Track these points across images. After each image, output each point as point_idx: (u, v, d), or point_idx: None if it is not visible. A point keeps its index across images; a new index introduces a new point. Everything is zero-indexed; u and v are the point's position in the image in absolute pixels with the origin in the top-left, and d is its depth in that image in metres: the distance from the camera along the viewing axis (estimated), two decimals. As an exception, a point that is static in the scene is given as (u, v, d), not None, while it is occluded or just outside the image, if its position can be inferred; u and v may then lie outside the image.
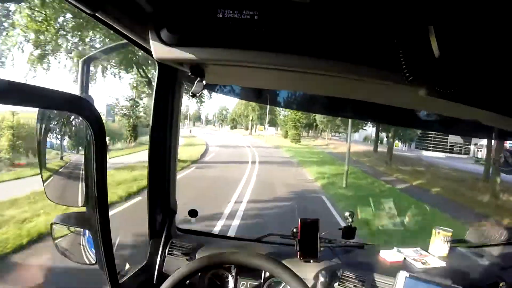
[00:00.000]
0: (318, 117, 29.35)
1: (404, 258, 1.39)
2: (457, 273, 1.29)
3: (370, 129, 30.82)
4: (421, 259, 1.38)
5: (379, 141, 32.13)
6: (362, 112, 1.60)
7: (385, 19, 0.73)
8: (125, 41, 1.02)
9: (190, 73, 0.91)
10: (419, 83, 0.76)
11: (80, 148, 0.95)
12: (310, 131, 41.34)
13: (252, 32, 0.75)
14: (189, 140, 23.51)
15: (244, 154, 19.23)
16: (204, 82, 0.93)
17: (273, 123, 42.62)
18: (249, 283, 1.29)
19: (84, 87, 1.17)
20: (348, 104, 1.43)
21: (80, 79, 1.14)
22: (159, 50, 0.81)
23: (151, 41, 0.81)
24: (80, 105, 0.81)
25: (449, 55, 0.69)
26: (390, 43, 0.72)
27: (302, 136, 35.88)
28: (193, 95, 0.96)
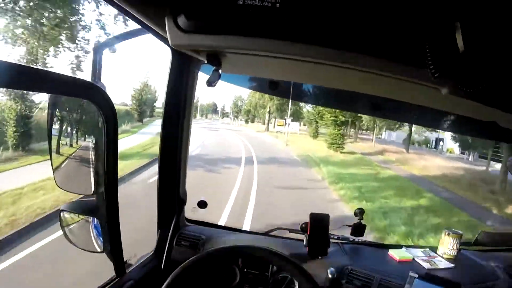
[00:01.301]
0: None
1: (413, 258, 1.45)
2: (465, 276, 1.34)
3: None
4: (430, 260, 1.45)
5: (412, 143, 25.16)
6: (394, 111, 1.61)
7: (412, 13, 0.75)
8: (138, 27, 1.08)
9: (206, 62, 0.95)
10: (442, 81, 0.77)
11: (91, 135, 1.02)
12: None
13: (273, 20, 0.77)
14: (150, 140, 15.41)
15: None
16: (220, 72, 0.97)
17: (296, 116, 33.39)
18: (256, 276, 1.36)
19: (97, 74, 1.24)
20: (385, 102, 1.43)
21: (93, 66, 1.22)
22: (176, 37, 0.84)
23: (167, 28, 0.84)
24: (92, 91, 0.88)
25: (474, 53, 0.70)
26: (416, 39, 0.73)
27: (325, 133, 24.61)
28: (209, 85, 0.99)
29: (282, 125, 29.53)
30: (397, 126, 24.03)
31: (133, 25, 1.12)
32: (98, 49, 1.27)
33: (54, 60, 10.33)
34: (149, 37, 1.13)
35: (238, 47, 0.84)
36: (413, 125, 18.79)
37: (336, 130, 20.57)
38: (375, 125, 24.33)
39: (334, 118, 20.57)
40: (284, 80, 1.41)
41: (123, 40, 1.33)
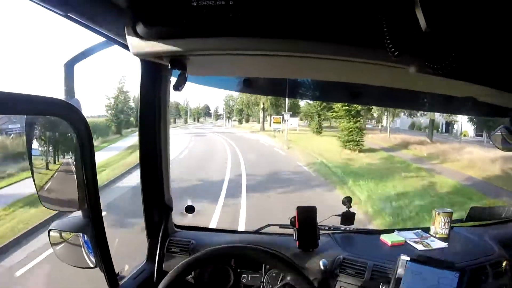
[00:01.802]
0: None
1: (405, 241, 1.52)
2: (458, 254, 1.41)
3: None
4: (422, 241, 1.52)
5: (419, 128, 23.15)
6: (380, 98, 1.65)
7: None
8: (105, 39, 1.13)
9: (169, 67, 1.01)
10: (408, 60, 0.83)
11: (69, 152, 1.07)
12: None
13: (228, 18, 0.82)
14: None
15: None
16: (186, 75, 1.03)
17: (293, 111, 30.69)
18: (250, 275, 1.44)
19: (70, 91, 1.30)
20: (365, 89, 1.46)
21: (65, 83, 1.27)
22: (136, 45, 0.89)
23: (127, 37, 0.89)
24: (66, 109, 0.93)
25: (437, 28, 0.73)
26: (375, 20, 0.77)
27: (327, 127, 24.07)
28: (176, 89, 1.05)
29: (279, 122, 27.08)
30: (420, 113, 21.44)
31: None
32: (69, 65, 1.33)
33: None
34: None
35: (199, 48, 0.89)
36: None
37: (352, 123, 17.10)
38: (388, 115, 22.04)
39: (347, 108, 17.17)
40: (252, 76, 1.47)
41: (93, 52, 1.38)
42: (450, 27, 0.74)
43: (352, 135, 16.83)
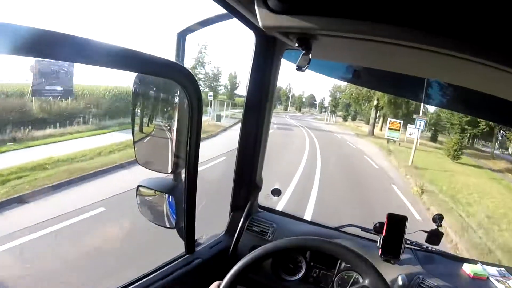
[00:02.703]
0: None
1: (487, 277, 1.48)
2: None
3: None
4: (505, 281, 1.47)
5: None
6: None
7: None
8: (224, 12, 1.23)
9: (296, 45, 1.02)
10: None
11: (174, 115, 1.21)
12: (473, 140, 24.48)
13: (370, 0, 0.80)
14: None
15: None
16: (310, 56, 1.03)
17: (409, 117, 23.90)
18: (321, 272, 1.50)
19: (181, 59, 1.50)
20: None
21: (176, 51, 1.46)
22: (266, 18, 0.92)
23: (257, 9, 0.92)
24: (179, 72, 1.06)
25: None
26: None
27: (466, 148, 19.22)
28: (299, 69, 1.07)
29: (398, 130, 21.62)
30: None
31: (216, 11, 1.29)
32: (182, 35, 1.53)
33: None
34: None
35: (331, 29, 0.89)
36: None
37: None
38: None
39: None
40: (376, 67, 1.45)
41: (207, 25, 1.55)
42: None
43: None
